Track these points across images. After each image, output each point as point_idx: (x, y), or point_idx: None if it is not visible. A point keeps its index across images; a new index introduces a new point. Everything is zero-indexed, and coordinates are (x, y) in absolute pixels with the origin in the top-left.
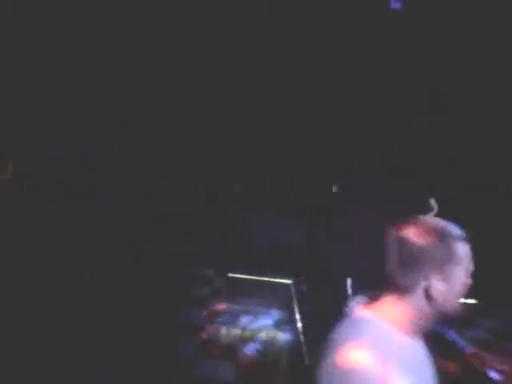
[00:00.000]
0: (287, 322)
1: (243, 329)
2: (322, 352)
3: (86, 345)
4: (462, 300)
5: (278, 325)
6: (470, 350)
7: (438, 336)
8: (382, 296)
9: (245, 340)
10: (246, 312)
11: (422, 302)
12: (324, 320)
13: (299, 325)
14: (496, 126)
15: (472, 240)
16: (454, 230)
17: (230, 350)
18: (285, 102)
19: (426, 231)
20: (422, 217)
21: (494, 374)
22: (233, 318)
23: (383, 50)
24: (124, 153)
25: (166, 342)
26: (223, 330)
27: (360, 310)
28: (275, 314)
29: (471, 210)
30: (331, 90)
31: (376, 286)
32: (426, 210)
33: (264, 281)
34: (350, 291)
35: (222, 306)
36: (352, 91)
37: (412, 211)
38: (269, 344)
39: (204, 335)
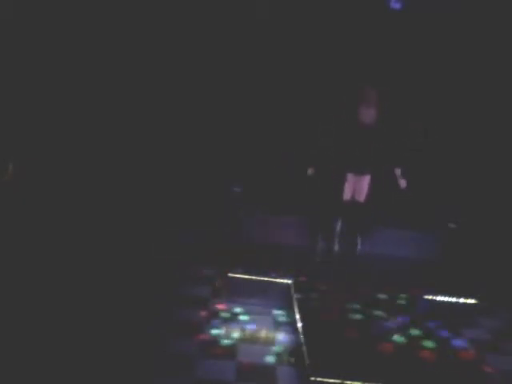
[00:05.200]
0: (287, 322)
1: (243, 329)
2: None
3: (85, 344)
4: (463, 300)
5: (277, 325)
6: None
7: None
8: None
9: (244, 340)
10: (246, 312)
11: None
12: (324, 320)
13: (299, 325)
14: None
15: (473, 240)
16: None
17: (230, 349)
18: (284, 102)
19: None
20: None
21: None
22: (233, 318)
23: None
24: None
25: (166, 342)
26: (223, 330)
27: None
28: (275, 314)
29: (472, 211)
30: (331, 89)
31: None
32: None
33: (264, 281)
34: None
35: (221, 306)
36: (351, 91)
37: None
38: (269, 344)
39: (204, 335)
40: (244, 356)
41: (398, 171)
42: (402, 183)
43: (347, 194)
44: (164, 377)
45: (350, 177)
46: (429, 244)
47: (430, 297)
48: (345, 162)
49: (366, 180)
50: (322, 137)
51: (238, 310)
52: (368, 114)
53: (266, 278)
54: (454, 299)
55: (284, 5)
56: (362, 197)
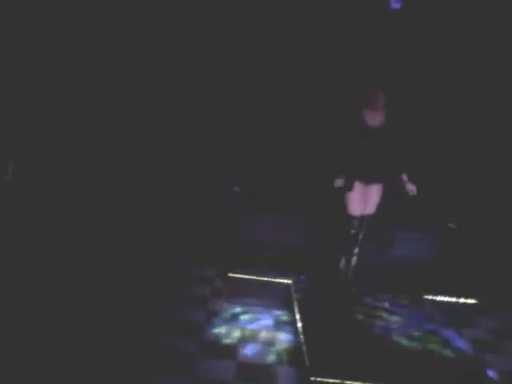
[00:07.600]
0: (287, 322)
1: (243, 329)
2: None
3: (85, 344)
4: (463, 300)
5: (278, 325)
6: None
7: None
8: None
9: (245, 340)
10: (246, 312)
11: None
12: (324, 320)
13: (299, 325)
14: None
15: (473, 240)
16: None
17: (230, 349)
18: (285, 102)
19: None
20: None
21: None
22: (233, 318)
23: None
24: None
25: (166, 342)
26: (223, 330)
27: None
28: (275, 314)
29: (472, 211)
30: (331, 89)
31: None
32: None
33: (264, 281)
34: None
35: (221, 306)
36: (351, 92)
37: None
38: (269, 344)
39: (204, 335)
40: (244, 356)
41: (404, 177)
42: (411, 189)
43: (356, 209)
44: (164, 377)
45: (356, 187)
46: (429, 244)
47: (429, 297)
48: (351, 170)
49: (375, 190)
50: (325, 142)
51: (237, 309)
52: (375, 119)
53: (265, 278)
54: (453, 299)
55: (284, 3)
56: (370, 208)
